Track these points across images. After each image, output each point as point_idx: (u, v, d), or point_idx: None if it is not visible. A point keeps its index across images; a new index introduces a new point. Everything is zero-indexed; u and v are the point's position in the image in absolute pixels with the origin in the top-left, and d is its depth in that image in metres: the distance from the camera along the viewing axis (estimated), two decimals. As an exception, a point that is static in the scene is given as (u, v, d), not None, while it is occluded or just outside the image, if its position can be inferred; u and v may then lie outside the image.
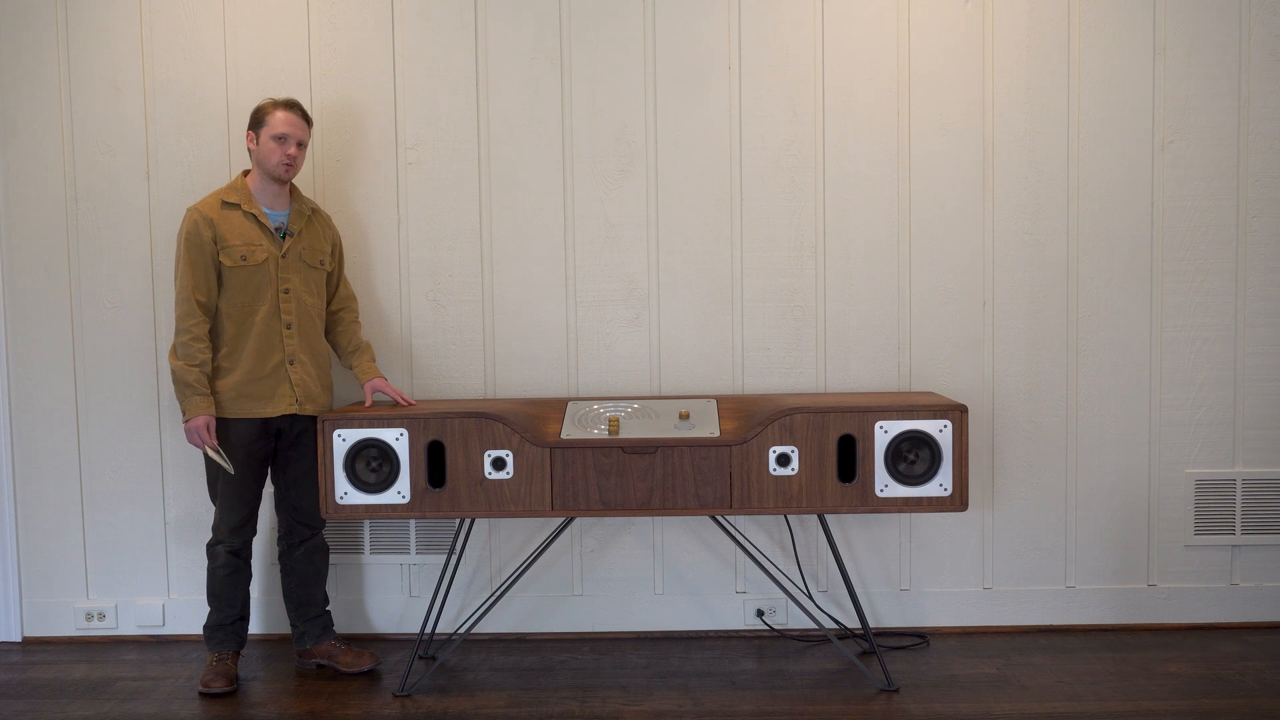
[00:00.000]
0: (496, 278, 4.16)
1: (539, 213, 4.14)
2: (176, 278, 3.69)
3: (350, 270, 4.13)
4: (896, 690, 3.65)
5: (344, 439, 3.61)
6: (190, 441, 3.66)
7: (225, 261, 3.67)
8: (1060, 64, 4.07)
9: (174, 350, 3.67)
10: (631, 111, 4.11)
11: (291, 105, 3.75)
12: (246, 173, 3.79)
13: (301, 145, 3.75)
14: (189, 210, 3.71)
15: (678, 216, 4.13)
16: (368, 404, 3.86)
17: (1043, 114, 4.08)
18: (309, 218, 3.83)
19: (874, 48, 4.08)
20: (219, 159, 4.13)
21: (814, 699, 3.60)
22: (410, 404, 3.85)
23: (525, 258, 4.15)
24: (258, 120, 3.73)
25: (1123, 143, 4.08)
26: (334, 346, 3.98)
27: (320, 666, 3.93)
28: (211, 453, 3.65)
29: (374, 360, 3.94)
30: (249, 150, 3.76)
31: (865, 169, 4.11)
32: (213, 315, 3.69)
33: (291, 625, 3.95)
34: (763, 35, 4.08)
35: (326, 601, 3.97)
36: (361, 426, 3.61)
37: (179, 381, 3.64)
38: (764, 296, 4.13)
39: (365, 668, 3.87)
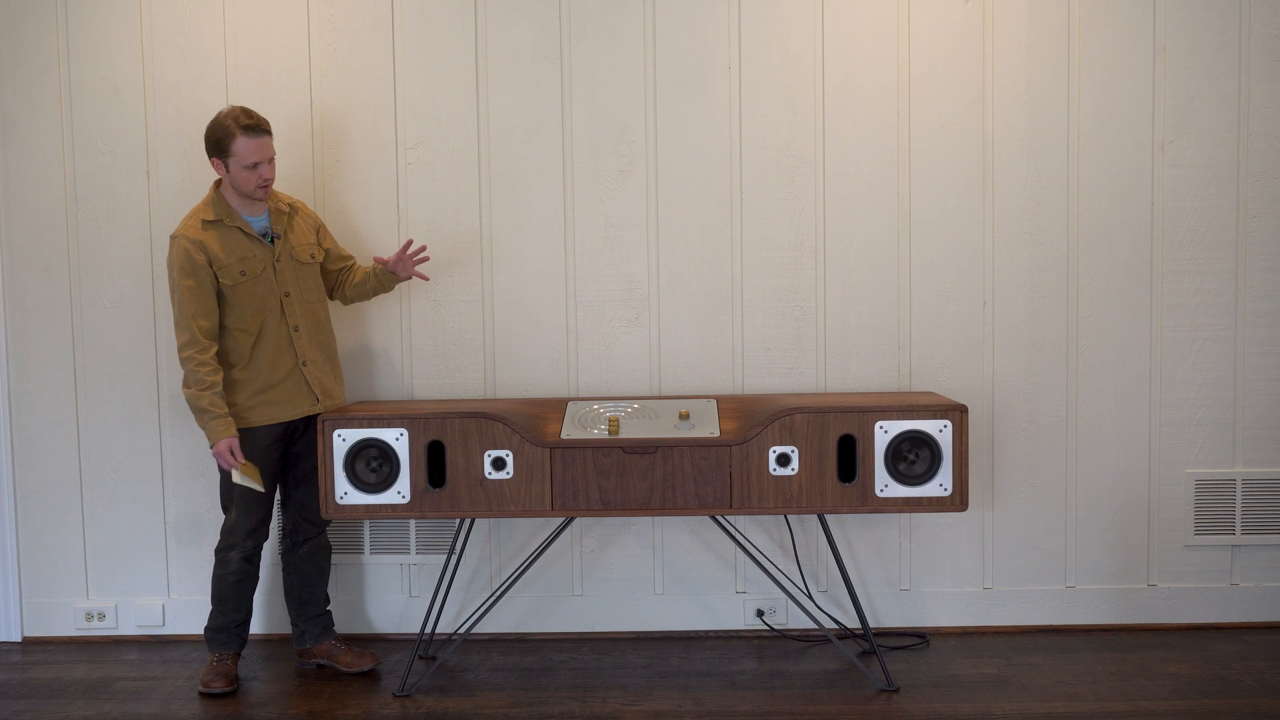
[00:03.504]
0: (496, 278, 4.16)
1: (539, 213, 4.14)
2: (174, 306, 3.62)
3: (350, 270, 4.14)
4: (896, 690, 3.65)
5: (344, 439, 3.61)
6: (220, 465, 3.61)
7: (225, 281, 3.62)
8: (1060, 64, 4.07)
9: (184, 380, 3.61)
10: (631, 111, 4.11)
11: (252, 128, 3.56)
12: (218, 183, 3.71)
13: (272, 161, 3.65)
14: (174, 238, 3.62)
15: (678, 216, 4.13)
16: (404, 250, 3.81)
17: (1043, 114, 4.08)
18: (288, 215, 3.78)
19: (874, 48, 4.08)
20: (219, 159, 4.13)
21: (814, 699, 3.60)
22: (416, 246, 3.82)
23: (525, 258, 4.15)
24: (221, 148, 3.58)
25: (1123, 143, 4.08)
26: (356, 292, 3.90)
27: (320, 666, 3.93)
28: (240, 475, 3.58)
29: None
30: (217, 173, 3.67)
31: (865, 169, 4.11)
32: (217, 337, 3.64)
33: (292, 624, 3.95)
34: (763, 35, 4.08)
35: (328, 601, 3.97)
36: (361, 426, 3.61)
37: (195, 409, 3.59)
38: (764, 296, 4.13)
39: (365, 668, 3.87)
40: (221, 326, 3.66)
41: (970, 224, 4.11)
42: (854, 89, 4.09)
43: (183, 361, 3.60)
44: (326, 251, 3.88)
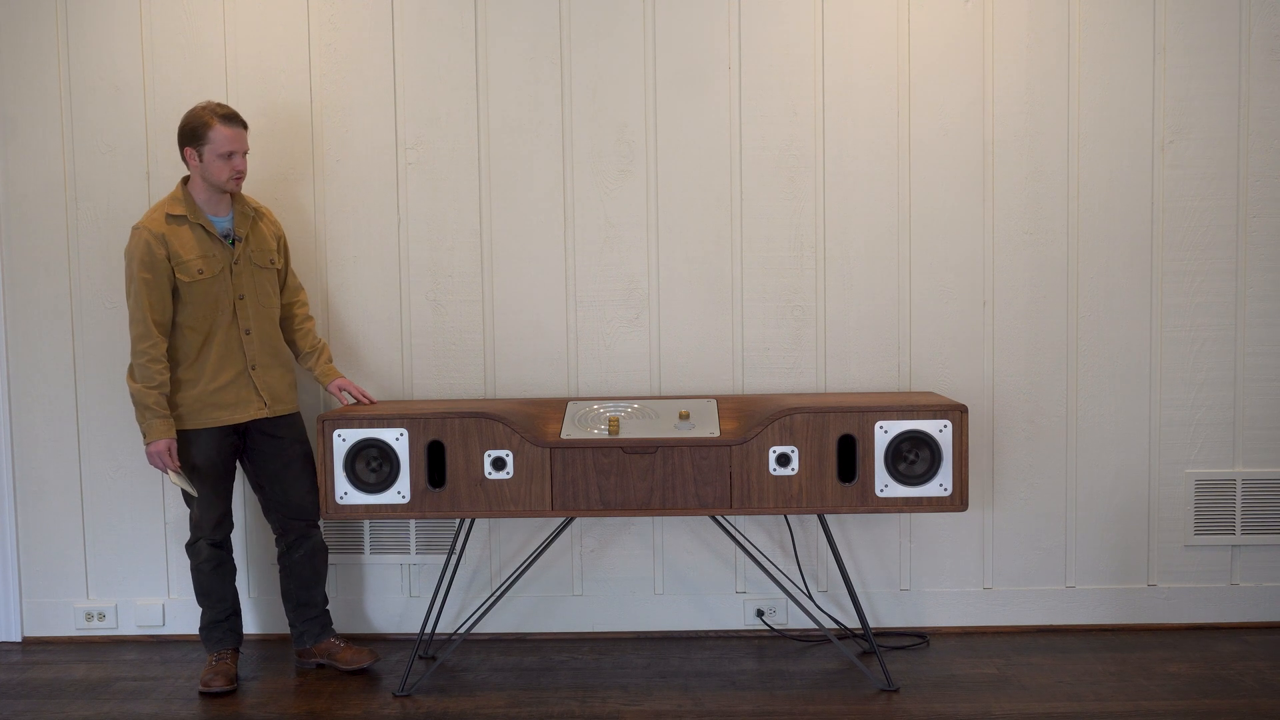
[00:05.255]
0: (496, 278, 4.16)
1: (539, 213, 4.14)
2: (129, 297, 3.63)
3: (349, 271, 4.14)
4: (896, 690, 3.65)
5: (344, 439, 3.61)
6: (152, 464, 3.63)
7: (183, 278, 3.62)
8: (1060, 64, 4.07)
9: (131, 372, 3.63)
10: (631, 111, 4.11)
11: (230, 118, 3.63)
12: (186, 180, 3.73)
13: (246, 154, 3.69)
14: (136, 229, 3.64)
15: (678, 216, 4.13)
16: (343, 404, 3.88)
17: (1043, 114, 4.08)
18: (253, 219, 3.78)
19: (874, 48, 4.08)
20: (219, 159, 4.13)
21: (814, 699, 3.60)
22: (372, 402, 3.88)
23: (525, 258, 4.15)
24: (197, 136, 3.60)
25: (1123, 143, 4.08)
26: (290, 346, 3.94)
27: (320, 666, 3.93)
28: (174, 477, 3.63)
29: (331, 360, 3.94)
30: (188, 165, 3.68)
31: (865, 169, 4.11)
32: (169, 333, 3.66)
33: (291, 625, 3.95)
34: (763, 35, 4.08)
35: (326, 601, 3.97)
36: (361, 426, 3.61)
37: (138, 404, 3.61)
38: (764, 296, 4.13)
39: (365, 664, 3.87)
40: (173, 323, 3.67)
41: (970, 224, 4.11)
42: (854, 89, 4.09)
43: (135, 354, 3.61)
44: (278, 272, 3.87)
